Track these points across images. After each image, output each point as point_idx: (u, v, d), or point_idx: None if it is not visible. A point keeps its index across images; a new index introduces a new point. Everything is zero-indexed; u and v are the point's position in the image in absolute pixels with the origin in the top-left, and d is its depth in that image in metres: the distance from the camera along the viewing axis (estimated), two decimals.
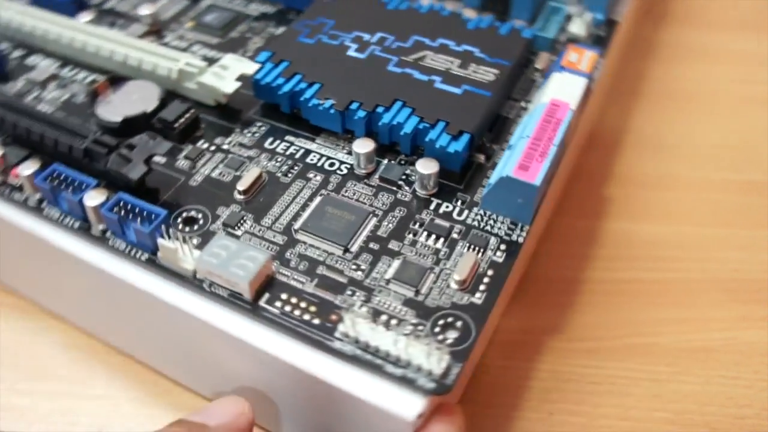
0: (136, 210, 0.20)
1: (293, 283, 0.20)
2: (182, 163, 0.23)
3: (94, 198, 0.21)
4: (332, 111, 0.23)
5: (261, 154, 0.24)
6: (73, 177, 0.21)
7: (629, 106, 0.34)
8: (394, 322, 0.19)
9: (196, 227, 0.21)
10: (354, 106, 0.23)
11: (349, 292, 0.19)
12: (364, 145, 0.23)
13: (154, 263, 0.20)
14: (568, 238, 0.28)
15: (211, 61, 0.26)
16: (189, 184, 0.22)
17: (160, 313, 0.20)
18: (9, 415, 0.23)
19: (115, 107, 0.24)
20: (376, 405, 0.17)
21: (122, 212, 0.20)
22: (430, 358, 0.17)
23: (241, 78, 0.25)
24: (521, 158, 0.21)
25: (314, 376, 0.18)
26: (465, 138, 0.22)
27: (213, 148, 0.24)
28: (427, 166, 0.22)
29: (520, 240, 0.21)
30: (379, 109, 0.23)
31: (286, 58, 0.25)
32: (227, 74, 0.25)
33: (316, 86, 0.24)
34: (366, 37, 0.26)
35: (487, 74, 0.24)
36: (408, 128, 0.22)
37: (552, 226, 0.28)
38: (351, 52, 0.25)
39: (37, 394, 0.23)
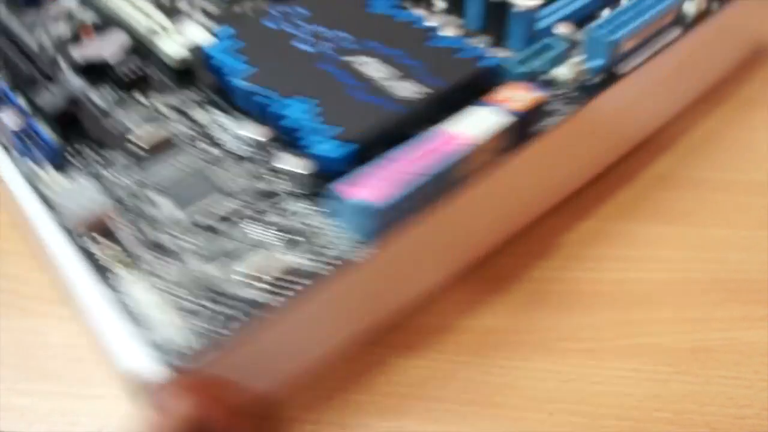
0: (36, 137, 0.23)
1: (122, 233, 0.21)
2: (113, 108, 0.25)
3: (8, 117, 0.23)
4: (245, 93, 0.24)
5: (179, 118, 0.25)
6: (8, 97, 0.24)
7: None
8: (175, 290, 0.19)
9: (83, 163, 0.23)
10: (269, 92, 0.23)
11: (157, 253, 0.20)
12: (253, 131, 0.23)
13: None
14: (568, 238, 0.28)
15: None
16: (106, 128, 0.24)
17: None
18: (9, 415, 0.23)
19: (91, 50, 0.26)
20: (121, 355, 0.18)
21: (25, 137, 0.23)
22: (182, 332, 0.18)
23: (194, 48, 0.26)
24: (364, 178, 0.20)
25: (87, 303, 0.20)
26: (348, 147, 0.22)
27: (147, 104, 0.25)
28: (298, 165, 0.22)
29: (350, 257, 0.20)
30: (286, 101, 0.23)
31: (243, 39, 0.25)
32: (181, 41, 0.26)
33: (250, 69, 0.24)
34: (326, 33, 0.26)
35: (413, 92, 0.23)
36: (298, 124, 0.22)
37: (552, 226, 0.28)
38: (301, 44, 0.25)
39: (37, 394, 0.23)
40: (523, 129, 0.23)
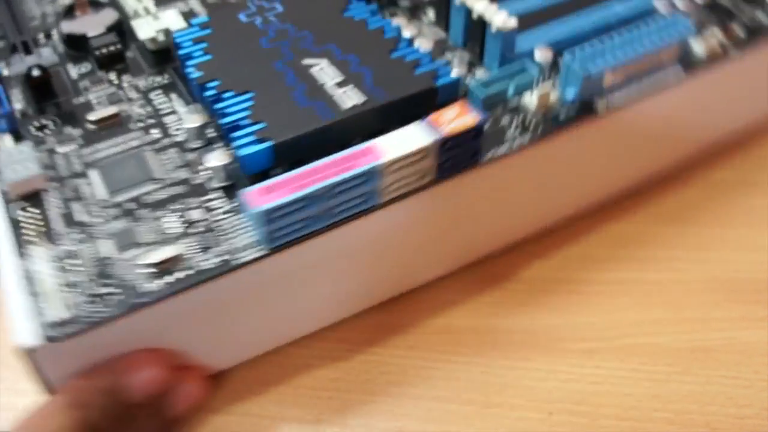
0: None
1: (49, 205, 0.22)
2: (84, 83, 0.26)
3: None
4: (194, 83, 0.24)
5: (140, 100, 0.26)
6: None
7: None
8: (76, 267, 0.20)
9: (40, 134, 0.25)
10: (213, 83, 0.23)
11: (75, 229, 0.21)
12: (192, 121, 0.24)
13: None
14: (567, 238, 0.28)
15: (188, 15, 0.28)
16: (72, 101, 0.26)
17: None
18: (9, 415, 0.23)
19: (78, 24, 0.27)
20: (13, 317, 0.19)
21: None
22: (60, 306, 0.19)
23: (166, 32, 0.27)
24: (272, 182, 0.20)
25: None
26: (265, 145, 0.21)
27: (116, 81, 0.26)
28: (222, 160, 0.22)
29: (243, 259, 0.20)
30: (227, 94, 0.23)
31: (212, 28, 0.25)
32: (155, 25, 0.27)
33: (205, 59, 0.24)
34: (291, 31, 0.25)
35: (351, 100, 0.23)
36: (228, 117, 0.22)
37: (552, 226, 0.28)
38: (263, 40, 0.25)
39: (37, 394, 0.23)
40: (458, 151, 0.22)
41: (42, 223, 0.22)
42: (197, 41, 0.25)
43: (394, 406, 0.23)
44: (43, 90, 0.25)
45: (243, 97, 0.23)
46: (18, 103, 0.25)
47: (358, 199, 0.21)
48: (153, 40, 0.27)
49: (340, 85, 0.23)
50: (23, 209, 0.22)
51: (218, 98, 0.23)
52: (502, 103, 0.25)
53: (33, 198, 0.22)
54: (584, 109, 0.24)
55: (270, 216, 0.20)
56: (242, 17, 0.26)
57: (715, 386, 0.24)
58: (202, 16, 0.26)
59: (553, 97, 0.24)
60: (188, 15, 0.28)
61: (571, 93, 0.24)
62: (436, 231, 0.24)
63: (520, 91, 0.25)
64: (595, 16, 0.27)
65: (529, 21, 0.26)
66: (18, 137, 0.24)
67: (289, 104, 0.23)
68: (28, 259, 0.21)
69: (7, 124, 0.24)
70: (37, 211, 0.22)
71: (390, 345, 0.25)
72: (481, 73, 0.26)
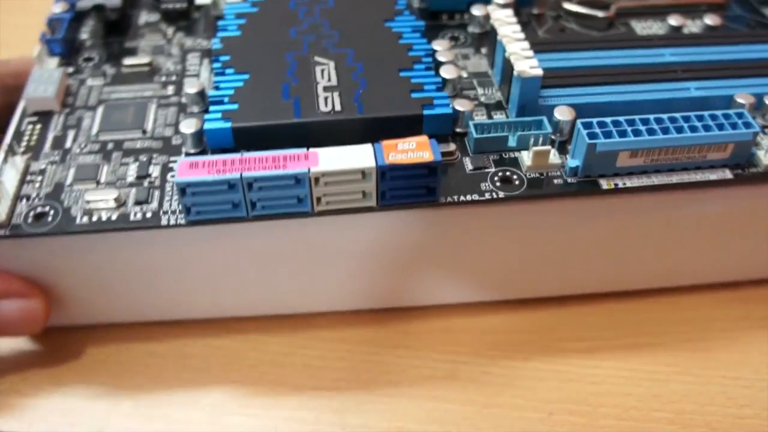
0: (58, 27, 0.27)
1: (52, 126, 0.25)
2: (143, 30, 0.29)
3: (57, 5, 0.28)
4: (213, 53, 0.25)
5: (176, 57, 0.27)
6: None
7: None
8: (36, 184, 0.23)
9: (83, 64, 0.27)
10: (223, 57, 0.24)
11: (57, 152, 0.24)
12: (193, 85, 0.25)
13: None
14: None
15: None
16: (125, 44, 0.28)
17: None
18: (9, 415, 0.23)
19: None
20: None
21: (55, 23, 0.28)
22: (4, 211, 0.21)
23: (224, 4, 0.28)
24: (200, 161, 0.20)
25: None
26: (226, 125, 0.22)
27: (169, 35, 0.29)
28: (190, 126, 0.23)
29: (160, 222, 0.21)
30: (228, 70, 0.24)
31: (259, 7, 0.26)
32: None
33: (232, 35, 0.25)
34: (322, 28, 0.25)
35: (327, 107, 0.22)
36: (215, 93, 0.23)
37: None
38: (293, 30, 0.25)
39: (37, 394, 0.23)
40: (404, 183, 0.21)
41: (36, 140, 0.24)
42: (238, 16, 0.26)
43: (394, 406, 0.23)
44: (109, 28, 0.29)
45: (238, 77, 0.23)
46: (85, 33, 0.29)
47: (286, 200, 0.21)
48: (214, 4, 0.29)
49: (327, 89, 0.23)
50: (31, 123, 0.25)
51: (221, 72, 0.24)
52: (498, 150, 0.23)
53: (44, 116, 0.25)
54: (587, 182, 0.22)
55: (185, 190, 0.20)
56: (292, 4, 0.26)
57: (715, 386, 0.24)
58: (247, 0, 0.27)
59: (555, 159, 0.22)
60: None
61: (574, 162, 0.22)
62: (379, 260, 0.24)
63: (524, 145, 0.23)
64: (658, 90, 0.24)
65: (578, 79, 0.25)
66: (66, 62, 0.27)
67: (272, 95, 0.23)
68: (6, 164, 0.23)
69: (59, 47, 0.27)
70: (40, 127, 0.25)
71: (390, 345, 0.25)
72: (498, 116, 0.25)
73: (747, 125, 0.22)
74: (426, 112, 0.22)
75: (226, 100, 0.23)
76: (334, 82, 0.23)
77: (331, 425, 0.23)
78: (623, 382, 0.24)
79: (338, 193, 0.21)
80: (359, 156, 0.20)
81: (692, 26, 0.29)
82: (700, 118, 0.22)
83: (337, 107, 0.22)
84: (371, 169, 0.20)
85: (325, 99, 0.23)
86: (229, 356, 0.25)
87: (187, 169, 0.20)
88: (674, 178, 0.22)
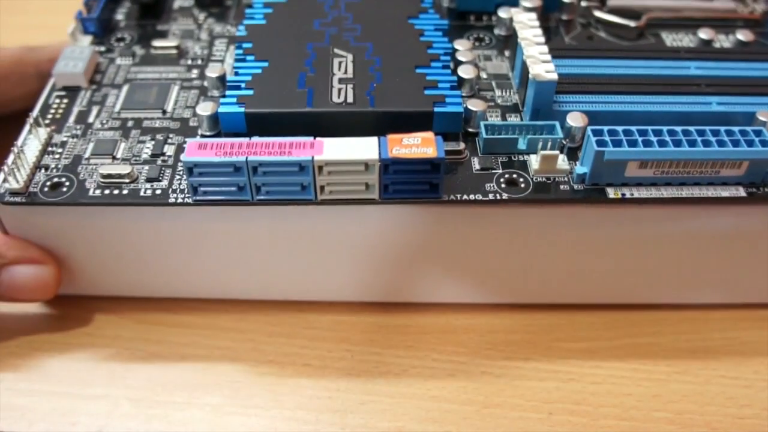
0: (95, 6, 0.29)
1: (78, 101, 0.25)
2: (175, 14, 0.30)
3: None
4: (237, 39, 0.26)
5: (204, 42, 0.28)
6: None
7: None
8: (56, 156, 0.23)
9: (116, 44, 0.28)
10: (246, 44, 0.25)
11: (80, 126, 0.24)
12: (214, 70, 0.25)
13: None
14: None
15: None
16: (157, 26, 0.29)
17: None
18: (9, 415, 0.23)
19: None
20: None
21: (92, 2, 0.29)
22: (23, 179, 0.22)
23: None
24: (209, 142, 0.21)
25: None
26: (239, 110, 0.22)
27: (200, 20, 0.29)
28: (206, 108, 0.23)
29: (168, 200, 0.22)
30: (249, 57, 0.24)
31: None
32: None
33: (258, 23, 0.26)
34: (346, 21, 0.26)
35: (339, 98, 0.23)
36: (234, 78, 0.23)
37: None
38: (317, 22, 0.26)
39: (37, 394, 0.23)
40: (406, 177, 0.21)
41: (62, 113, 0.25)
42: (267, 5, 0.26)
43: (394, 406, 0.23)
44: (144, 11, 0.30)
45: (258, 64, 0.24)
46: (121, 14, 0.30)
47: (290, 187, 0.21)
48: None
49: (342, 81, 0.23)
50: (59, 97, 0.26)
51: (242, 58, 0.24)
52: (508, 152, 0.23)
53: (72, 91, 0.26)
54: (594, 190, 0.22)
55: (192, 169, 0.21)
56: None
57: (715, 386, 0.24)
58: None
59: (563, 165, 0.22)
60: None
61: (582, 168, 0.22)
62: (380, 253, 0.24)
63: (534, 149, 0.23)
64: (678, 103, 0.24)
65: (597, 87, 0.24)
66: (98, 41, 0.28)
67: (288, 83, 0.23)
68: (31, 134, 0.24)
69: (93, 26, 0.28)
70: (67, 102, 0.25)
71: (390, 345, 0.25)
72: (513, 118, 0.25)
73: (764, 143, 0.21)
74: (437, 109, 0.22)
75: (243, 85, 0.23)
76: (350, 74, 0.23)
77: (331, 425, 0.23)
78: (623, 382, 0.24)
79: (341, 183, 0.21)
80: (364, 148, 0.21)
81: (724, 41, 0.28)
82: (715, 132, 0.22)
83: (350, 99, 0.23)
84: (374, 161, 0.20)
85: (339, 90, 0.23)
86: (230, 356, 0.25)
87: (196, 149, 0.21)
88: (684, 192, 0.22)
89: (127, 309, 0.26)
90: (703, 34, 0.28)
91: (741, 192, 0.22)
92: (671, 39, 0.28)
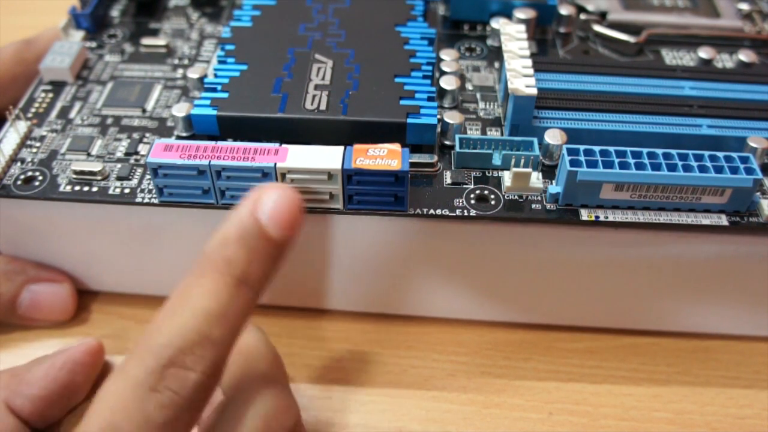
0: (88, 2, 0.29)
1: (62, 96, 0.26)
2: (169, 13, 0.30)
3: None
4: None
5: (193, 42, 0.28)
6: None
7: None
8: (33, 149, 0.23)
9: (107, 41, 0.28)
10: (228, 47, 0.25)
11: (60, 121, 0.24)
12: (195, 71, 0.25)
13: None
14: None
15: None
16: (149, 24, 0.29)
17: None
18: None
19: None
20: None
21: None
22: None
23: None
24: (175, 144, 0.21)
25: None
26: (212, 112, 0.22)
27: (193, 20, 0.29)
28: (180, 109, 0.23)
29: (134, 199, 0.22)
30: (229, 59, 0.24)
31: (279, 1, 0.27)
32: None
33: (243, 25, 0.26)
34: (331, 27, 0.25)
35: (312, 105, 0.22)
36: (212, 80, 0.23)
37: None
38: (302, 26, 0.25)
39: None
40: (370, 189, 0.21)
41: (45, 107, 0.25)
42: (255, 8, 0.26)
43: (394, 406, 0.23)
44: (140, 8, 0.30)
45: (237, 67, 0.24)
46: (116, 11, 0.30)
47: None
48: None
49: (318, 87, 0.23)
50: (44, 91, 0.26)
51: (223, 60, 0.24)
52: (482, 168, 0.22)
53: (57, 86, 0.26)
54: (567, 211, 0.21)
55: (156, 170, 0.21)
56: (308, 1, 0.26)
57: (715, 386, 0.24)
58: None
59: (537, 183, 0.21)
60: None
61: (556, 188, 0.21)
62: (348, 263, 0.24)
63: (508, 165, 0.22)
64: (667, 124, 0.23)
65: (584, 104, 0.24)
66: (90, 37, 0.28)
67: (263, 87, 0.23)
68: (11, 127, 0.24)
69: (85, 22, 0.28)
70: (51, 96, 0.26)
71: (390, 345, 0.25)
72: (493, 132, 0.24)
73: (749, 171, 0.20)
74: (410, 120, 0.22)
75: (219, 88, 0.23)
76: (327, 81, 0.23)
77: (331, 425, 0.23)
78: (623, 382, 0.24)
79: (305, 192, 0.21)
80: (327, 157, 0.21)
81: (727, 61, 0.27)
82: (698, 157, 0.21)
83: (323, 106, 0.22)
84: (337, 171, 0.20)
85: (314, 97, 0.23)
86: None
87: (161, 150, 0.21)
88: (662, 218, 0.21)
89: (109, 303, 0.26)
90: (703, 53, 0.27)
91: (723, 220, 0.21)
92: (671, 57, 0.27)
